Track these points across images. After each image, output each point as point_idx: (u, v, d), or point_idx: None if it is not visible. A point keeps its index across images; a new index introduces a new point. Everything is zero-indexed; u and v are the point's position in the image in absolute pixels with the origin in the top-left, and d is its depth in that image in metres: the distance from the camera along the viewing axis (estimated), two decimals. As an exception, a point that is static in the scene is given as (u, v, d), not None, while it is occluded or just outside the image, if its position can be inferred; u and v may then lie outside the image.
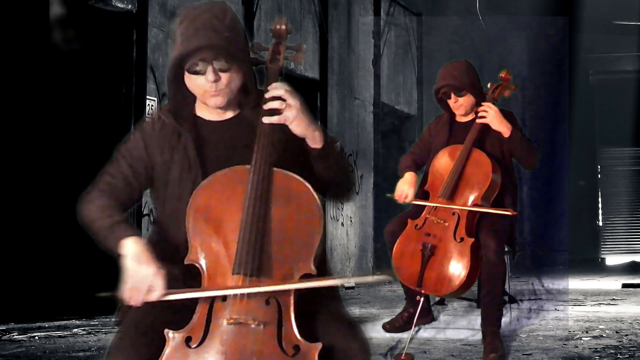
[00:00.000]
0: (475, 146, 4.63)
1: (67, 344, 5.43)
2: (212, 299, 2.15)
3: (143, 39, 7.42)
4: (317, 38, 10.72)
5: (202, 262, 2.21)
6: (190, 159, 2.35)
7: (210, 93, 2.31)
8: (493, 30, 15.60)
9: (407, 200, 4.68)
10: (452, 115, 4.82)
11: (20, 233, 7.14)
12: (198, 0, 2.38)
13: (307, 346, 2.10)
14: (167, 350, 2.11)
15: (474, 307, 5.72)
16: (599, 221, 18.96)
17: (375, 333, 5.09)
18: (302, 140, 2.29)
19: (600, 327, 6.01)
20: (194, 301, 2.17)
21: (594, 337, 5.47)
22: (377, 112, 12.24)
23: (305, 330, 2.14)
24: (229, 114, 2.42)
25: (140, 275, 2.16)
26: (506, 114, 4.66)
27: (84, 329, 6.08)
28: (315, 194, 2.23)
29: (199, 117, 2.43)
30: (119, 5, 7.18)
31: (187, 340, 2.12)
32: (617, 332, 5.74)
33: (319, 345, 2.10)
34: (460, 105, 4.71)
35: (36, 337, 5.71)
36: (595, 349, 4.99)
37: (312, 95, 10.51)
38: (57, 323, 6.45)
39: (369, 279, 2.44)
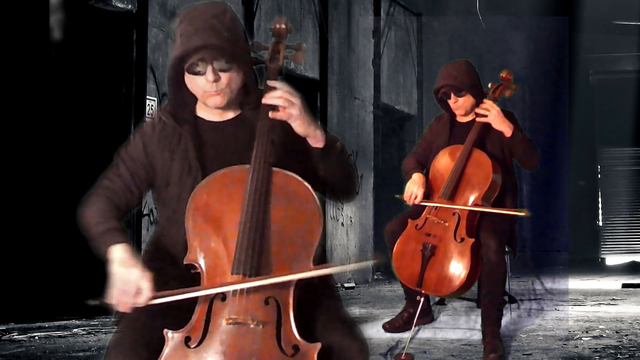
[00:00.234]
0: (476, 146, 4.62)
1: (67, 344, 5.43)
2: (212, 299, 2.15)
3: (143, 39, 7.41)
4: (317, 38, 10.72)
5: (201, 262, 2.21)
6: (190, 160, 2.35)
7: (210, 93, 2.30)
8: (493, 30, 15.60)
9: (417, 201, 4.62)
10: (453, 115, 4.81)
11: (21, 233, 7.14)
12: (198, 0, 2.38)
13: (306, 346, 2.10)
14: (166, 350, 2.11)
15: (474, 307, 5.72)
16: (599, 221, 18.97)
17: (375, 333, 5.09)
18: (303, 140, 2.28)
19: (600, 327, 6.01)
20: (193, 301, 2.17)
21: (594, 337, 5.47)
22: (377, 112, 12.24)
23: (305, 330, 2.14)
24: (230, 115, 2.41)
25: (126, 279, 2.16)
26: (507, 114, 4.66)
27: (84, 329, 6.08)
28: (314, 193, 2.23)
29: (199, 117, 2.42)
30: (119, 5, 7.18)
31: (187, 340, 2.12)
32: (617, 332, 5.74)
33: (318, 346, 2.10)
34: (460, 105, 4.71)
35: (36, 337, 5.71)
36: (595, 349, 4.99)
37: (312, 95, 10.51)
38: (57, 323, 6.44)
39: (365, 264, 2.52)
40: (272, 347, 2.09)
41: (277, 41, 2.40)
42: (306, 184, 2.24)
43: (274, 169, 2.24)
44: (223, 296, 2.14)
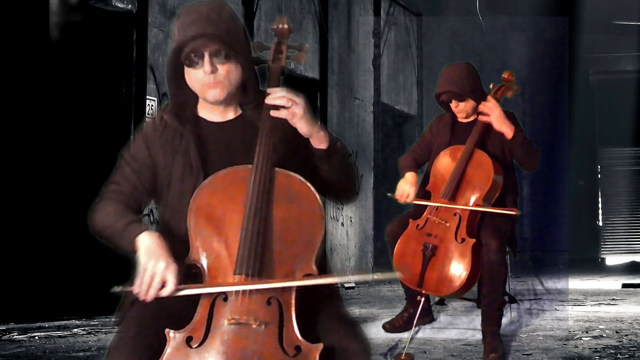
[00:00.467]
0: (477, 147, 4.62)
1: (67, 344, 5.43)
2: (214, 299, 2.15)
3: (143, 39, 7.42)
4: (317, 38, 10.72)
5: (203, 262, 2.20)
6: (192, 160, 2.35)
7: (208, 85, 2.29)
8: (493, 30, 15.60)
9: (408, 200, 4.66)
10: (454, 115, 4.81)
11: (21, 233, 7.14)
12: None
13: (308, 347, 2.10)
14: (168, 350, 2.11)
15: (474, 307, 5.72)
16: (599, 221, 18.96)
17: (375, 333, 5.09)
18: (305, 141, 2.28)
19: (600, 327, 6.01)
20: (195, 301, 2.17)
21: (594, 337, 5.47)
22: (377, 112, 12.24)
23: (306, 330, 2.14)
24: (231, 115, 2.41)
25: (153, 271, 2.15)
26: (508, 115, 4.65)
27: (84, 329, 6.08)
28: (316, 194, 2.23)
29: (201, 117, 2.42)
30: (119, 5, 7.18)
31: (188, 340, 2.11)
32: (617, 332, 5.74)
33: (320, 346, 2.10)
34: (461, 109, 4.73)
35: (36, 337, 5.70)
36: (595, 349, 4.99)
37: (312, 95, 10.51)
38: (57, 323, 6.44)
39: (368, 277, 2.59)
40: (274, 347, 2.09)
41: (280, 41, 2.40)
42: (308, 184, 2.23)
43: (277, 169, 2.24)
44: (225, 296, 2.14)
